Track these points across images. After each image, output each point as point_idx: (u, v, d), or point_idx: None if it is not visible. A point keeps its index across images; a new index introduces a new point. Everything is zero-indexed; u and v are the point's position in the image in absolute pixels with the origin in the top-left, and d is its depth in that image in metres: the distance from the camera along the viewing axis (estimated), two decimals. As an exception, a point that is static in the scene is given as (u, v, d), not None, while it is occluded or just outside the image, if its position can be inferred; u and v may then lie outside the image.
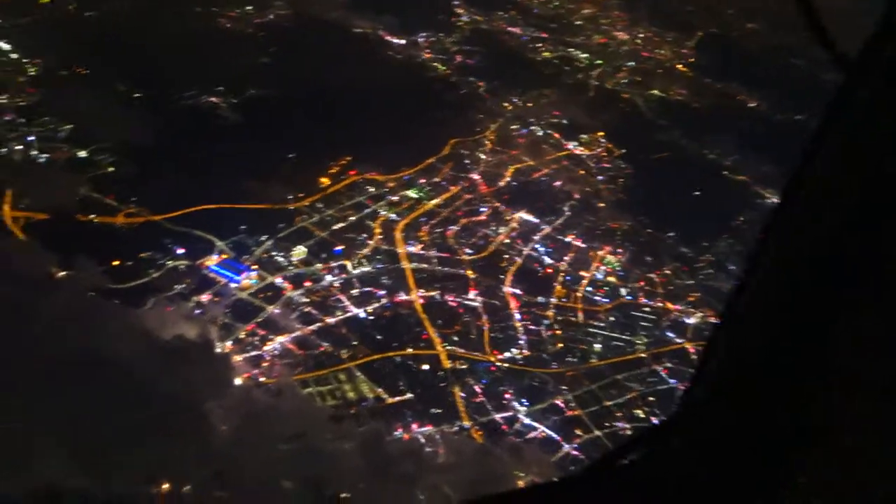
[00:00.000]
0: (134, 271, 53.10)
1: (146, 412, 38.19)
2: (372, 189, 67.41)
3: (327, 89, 78.23)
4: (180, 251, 55.32)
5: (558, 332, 57.57)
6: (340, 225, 62.21)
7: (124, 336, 43.39)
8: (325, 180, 66.69)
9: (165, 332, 45.73)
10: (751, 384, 2.83)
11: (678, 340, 59.34)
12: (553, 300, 60.39)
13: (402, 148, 72.98)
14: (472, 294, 58.78)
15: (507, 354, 54.64)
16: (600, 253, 66.70)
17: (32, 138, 62.29)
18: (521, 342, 55.85)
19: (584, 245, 67.28)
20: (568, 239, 67.71)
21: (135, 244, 55.45)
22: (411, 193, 68.21)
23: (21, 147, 61.38)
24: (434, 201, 68.00)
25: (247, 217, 59.99)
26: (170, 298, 50.99)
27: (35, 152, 61.29)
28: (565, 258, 65.28)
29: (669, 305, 62.62)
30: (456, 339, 54.76)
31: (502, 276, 61.41)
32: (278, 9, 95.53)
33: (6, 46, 72.12)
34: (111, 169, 61.60)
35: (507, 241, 65.77)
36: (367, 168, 69.27)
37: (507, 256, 63.96)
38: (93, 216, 56.68)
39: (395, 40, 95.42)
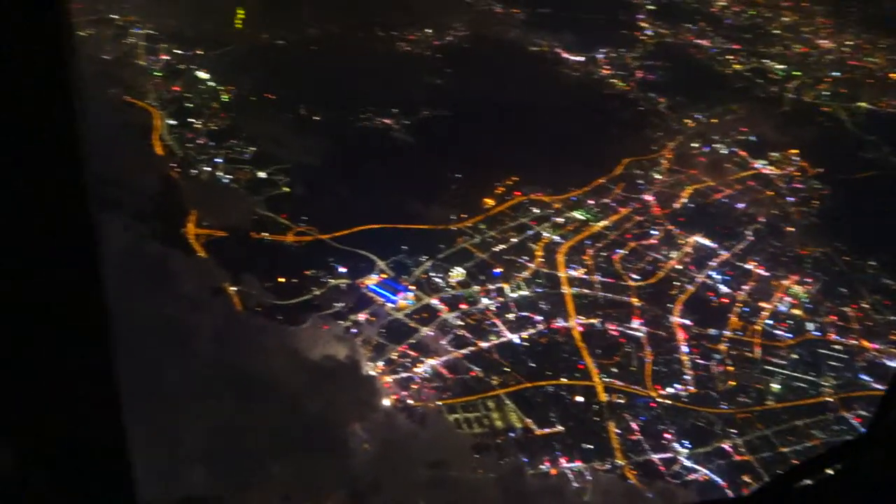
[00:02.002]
0: (297, 289, 54.90)
1: (288, 430, 38.92)
2: (537, 210, 65.62)
3: (499, 109, 77.73)
4: (342, 270, 56.55)
5: (730, 368, 52.62)
6: (501, 247, 60.94)
7: (278, 352, 44.71)
8: (489, 201, 65.82)
9: (317, 351, 46.59)
10: None
11: (874, 385, 52.41)
12: (727, 333, 55.43)
13: (572, 168, 70.61)
14: (635, 323, 55.25)
15: (670, 390, 50.63)
16: (785, 282, 60.54)
17: (220, 160, 66.68)
18: (686, 378, 51.63)
19: (766, 273, 61.41)
20: (749, 266, 62.12)
21: (301, 262, 57.40)
22: (577, 215, 65.65)
23: (209, 168, 65.83)
24: (601, 223, 65.01)
25: (409, 237, 60.33)
26: (327, 317, 52.04)
27: (220, 173, 65.49)
28: (744, 287, 59.82)
29: (866, 344, 55.49)
30: (615, 370, 51.57)
31: (671, 305, 57.24)
32: (457, 31, 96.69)
33: (204, 75, 78.08)
34: (286, 189, 64.44)
35: (679, 266, 61.36)
36: (533, 188, 67.65)
37: (677, 284, 59.63)
38: (265, 234, 59.40)
39: (573, 57, 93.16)
